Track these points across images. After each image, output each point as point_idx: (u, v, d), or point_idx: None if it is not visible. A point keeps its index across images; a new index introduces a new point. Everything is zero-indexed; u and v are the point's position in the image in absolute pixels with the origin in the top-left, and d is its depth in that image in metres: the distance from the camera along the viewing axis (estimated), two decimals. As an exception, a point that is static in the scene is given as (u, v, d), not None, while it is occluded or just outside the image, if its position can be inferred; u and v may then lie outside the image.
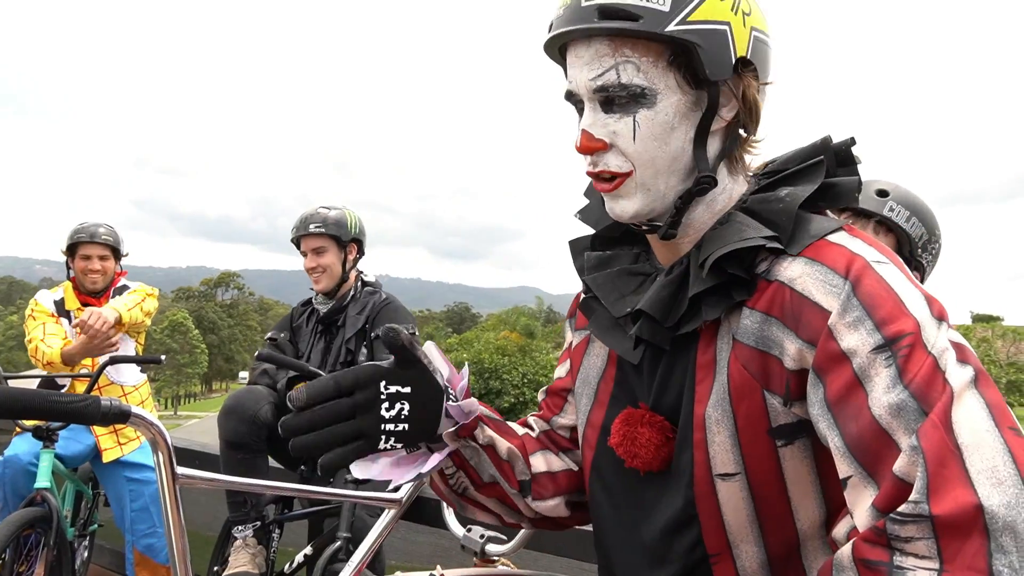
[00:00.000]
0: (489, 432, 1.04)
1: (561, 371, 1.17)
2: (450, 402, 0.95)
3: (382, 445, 0.89)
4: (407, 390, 0.91)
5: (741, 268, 0.87)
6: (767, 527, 0.88)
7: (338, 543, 2.24)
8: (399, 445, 0.91)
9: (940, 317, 0.78)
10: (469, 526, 1.52)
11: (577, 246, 1.09)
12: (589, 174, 0.93)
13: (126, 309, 3.15)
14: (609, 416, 1.00)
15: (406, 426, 0.91)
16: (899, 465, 0.71)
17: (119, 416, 0.85)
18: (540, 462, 1.11)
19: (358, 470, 0.93)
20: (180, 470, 0.89)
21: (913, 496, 0.69)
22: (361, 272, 2.95)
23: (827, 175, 0.91)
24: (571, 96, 0.92)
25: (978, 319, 71.12)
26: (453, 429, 0.96)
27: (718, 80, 0.87)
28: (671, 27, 0.84)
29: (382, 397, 0.90)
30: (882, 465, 0.73)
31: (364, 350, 2.78)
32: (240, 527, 2.55)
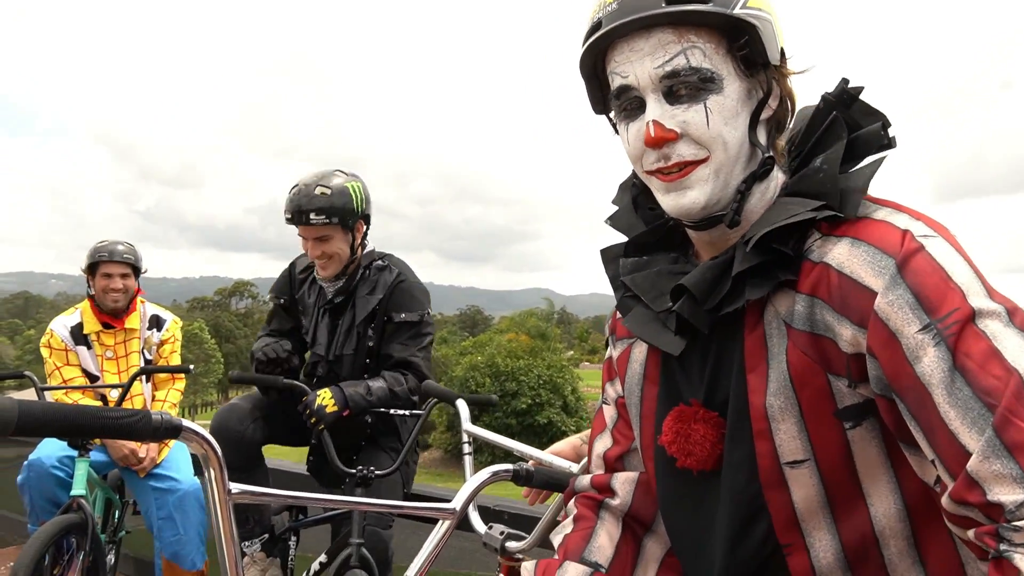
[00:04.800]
0: None
1: (611, 390, 1.13)
2: None
3: None
4: None
5: (787, 247, 0.86)
6: (839, 513, 0.86)
7: (349, 549, 2.17)
8: None
9: (985, 286, 0.77)
10: (490, 523, 1.50)
11: (609, 254, 1.07)
12: (653, 172, 0.90)
13: (172, 406, 3.40)
14: (660, 418, 0.98)
15: None
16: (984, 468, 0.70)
17: (171, 431, 0.81)
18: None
19: None
20: (232, 486, 0.87)
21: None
22: (370, 246, 2.57)
23: (848, 128, 0.90)
24: (625, 91, 0.89)
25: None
26: None
27: (770, 67, 0.88)
28: (738, 10, 0.85)
29: None
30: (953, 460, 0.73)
31: (372, 333, 2.52)
32: (247, 543, 2.46)
